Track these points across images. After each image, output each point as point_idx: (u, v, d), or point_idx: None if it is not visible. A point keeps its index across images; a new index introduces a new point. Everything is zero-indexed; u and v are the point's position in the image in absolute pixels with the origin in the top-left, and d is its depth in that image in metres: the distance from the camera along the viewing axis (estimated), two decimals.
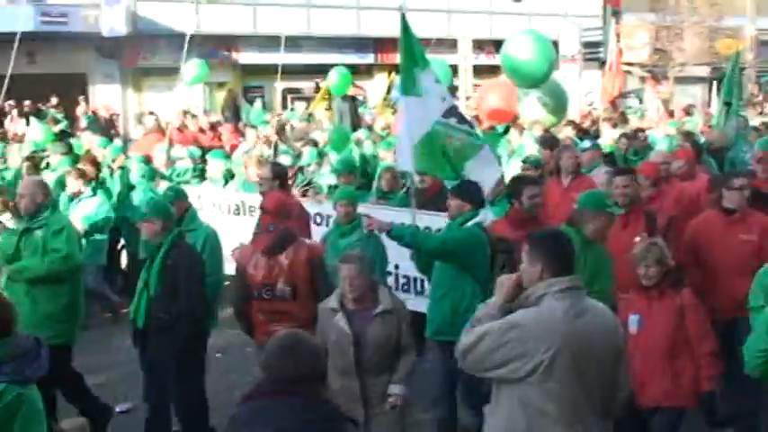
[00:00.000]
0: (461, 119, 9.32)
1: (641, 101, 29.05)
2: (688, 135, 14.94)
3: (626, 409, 5.59)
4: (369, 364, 6.81)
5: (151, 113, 21.67)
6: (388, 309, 6.89)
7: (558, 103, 16.87)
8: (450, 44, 24.94)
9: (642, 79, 34.72)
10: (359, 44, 30.97)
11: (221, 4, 28.26)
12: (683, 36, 35.68)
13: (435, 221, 9.54)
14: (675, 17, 35.58)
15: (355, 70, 25.44)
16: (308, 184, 13.03)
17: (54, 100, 23.92)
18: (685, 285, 7.37)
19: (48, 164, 13.92)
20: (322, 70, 21.99)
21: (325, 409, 4.37)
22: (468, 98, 23.08)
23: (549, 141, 13.22)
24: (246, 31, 28.88)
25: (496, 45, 28.06)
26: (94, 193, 11.97)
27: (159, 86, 28.17)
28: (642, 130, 17.00)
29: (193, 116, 21.23)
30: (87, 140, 16.75)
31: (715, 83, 37.64)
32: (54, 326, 8.03)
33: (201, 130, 19.95)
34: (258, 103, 26.42)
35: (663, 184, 9.87)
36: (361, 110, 23.17)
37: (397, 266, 10.19)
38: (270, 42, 26.48)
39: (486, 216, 8.22)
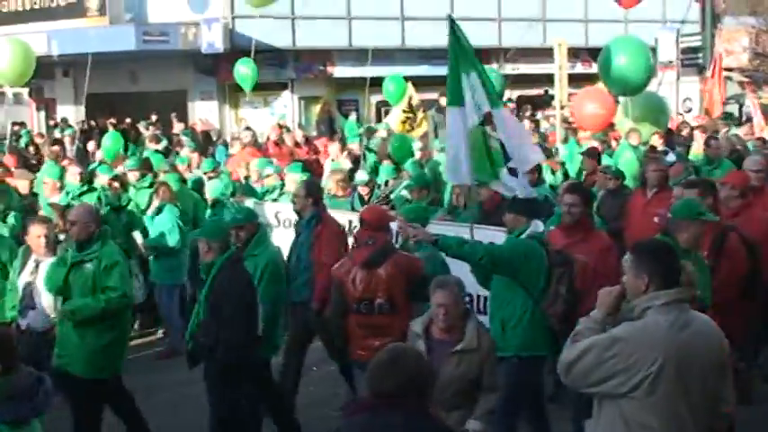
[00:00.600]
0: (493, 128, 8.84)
1: (741, 106, 28.38)
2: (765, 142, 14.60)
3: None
4: (439, 399, 6.14)
5: (248, 128, 21.85)
6: (470, 347, 6.61)
7: (648, 112, 16.53)
8: (547, 53, 24.71)
9: (741, 84, 33.99)
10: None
11: (317, 19, 28.36)
12: None
13: (496, 236, 9.10)
14: None
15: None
16: (387, 199, 12.61)
17: (154, 117, 24.23)
18: None
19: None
20: (416, 82, 21.94)
21: (428, 424, 4.22)
22: (563, 107, 22.83)
23: (591, 154, 13.47)
24: (341, 44, 28.93)
25: (592, 53, 27.82)
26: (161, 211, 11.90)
27: (255, 102, 28.44)
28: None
29: (288, 130, 21.29)
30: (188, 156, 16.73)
31: None
32: (101, 360, 7.91)
33: (297, 144, 19.99)
34: (353, 117, 26.52)
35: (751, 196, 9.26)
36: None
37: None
38: (364, 56, 26.60)
39: (538, 226, 7.81)
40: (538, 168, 12.70)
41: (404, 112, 20.07)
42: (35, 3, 28.32)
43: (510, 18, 31.25)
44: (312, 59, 29.35)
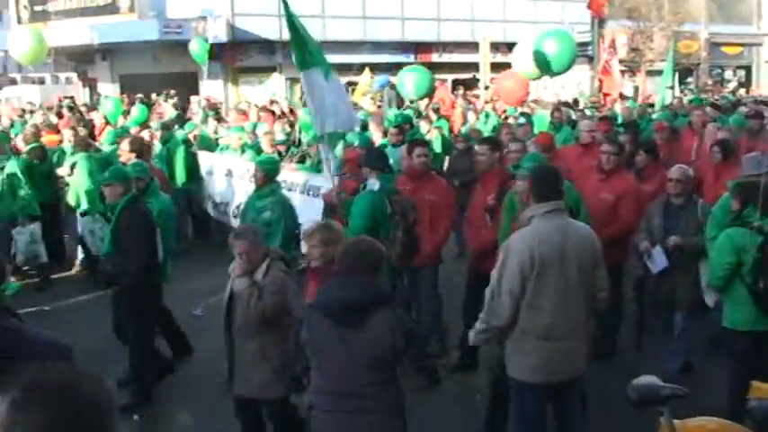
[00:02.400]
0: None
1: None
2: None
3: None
4: (243, 328, 5.46)
5: (247, 102, 21.47)
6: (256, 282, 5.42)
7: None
8: (474, 46, 24.46)
9: (621, 72, 34.03)
10: (402, 47, 30.53)
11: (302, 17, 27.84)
12: (653, 38, 34.90)
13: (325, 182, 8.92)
14: (647, 23, 34.75)
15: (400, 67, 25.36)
16: (302, 157, 11.83)
17: (172, 92, 23.78)
18: None
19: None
20: (374, 68, 21.68)
21: (378, 288, 4.43)
22: (486, 88, 22.72)
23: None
24: (316, 37, 28.37)
25: (509, 46, 27.60)
26: None
27: (252, 82, 28.05)
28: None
29: (276, 103, 20.90)
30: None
31: (677, 73, 37.12)
32: None
33: (283, 113, 19.62)
34: None
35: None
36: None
37: None
38: (335, 47, 26.21)
39: (375, 183, 7.10)
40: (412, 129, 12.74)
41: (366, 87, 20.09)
42: (79, 3, 27.76)
43: (446, 18, 30.90)
44: None
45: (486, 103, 20.01)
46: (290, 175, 10.30)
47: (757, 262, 5.79)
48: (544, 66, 14.95)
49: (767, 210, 5.86)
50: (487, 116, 16.97)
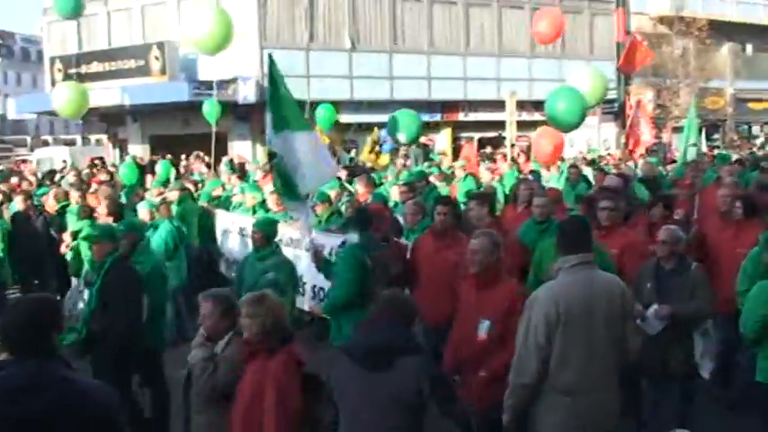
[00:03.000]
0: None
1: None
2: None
3: None
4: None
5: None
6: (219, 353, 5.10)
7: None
8: (500, 104, 24.62)
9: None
10: (428, 106, 30.81)
11: (327, 78, 28.32)
12: (679, 94, 34.97)
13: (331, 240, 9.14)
14: (673, 79, 34.86)
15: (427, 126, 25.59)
16: None
17: (201, 153, 24.12)
18: None
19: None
20: None
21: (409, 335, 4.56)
22: (512, 145, 22.83)
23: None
24: (344, 97, 28.83)
25: (535, 105, 27.76)
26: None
27: None
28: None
29: None
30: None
31: (704, 129, 37.09)
32: None
33: None
34: (353, 153, 26.48)
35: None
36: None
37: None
38: (362, 107, 26.58)
39: (353, 237, 7.35)
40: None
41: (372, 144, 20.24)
42: (112, 66, 28.30)
43: (473, 77, 31.21)
44: None
45: (514, 161, 20.09)
46: (295, 233, 10.26)
47: None
48: (559, 126, 14.92)
49: None
50: (509, 175, 16.93)
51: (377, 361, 4.33)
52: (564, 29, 14.31)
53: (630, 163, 18.81)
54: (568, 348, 4.86)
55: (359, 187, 12.33)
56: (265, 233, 8.03)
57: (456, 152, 27.55)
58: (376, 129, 20.76)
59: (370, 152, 20.52)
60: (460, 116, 31.52)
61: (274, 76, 7.79)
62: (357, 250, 7.18)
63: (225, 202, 13.89)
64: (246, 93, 27.05)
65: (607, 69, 31.92)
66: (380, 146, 20.58)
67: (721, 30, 36.78)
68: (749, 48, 41.21)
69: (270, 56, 8.04)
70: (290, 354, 4.59)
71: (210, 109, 20.30)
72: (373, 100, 28.33)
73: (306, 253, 9.14)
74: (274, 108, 7.69)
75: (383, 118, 26.44)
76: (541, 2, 30.60)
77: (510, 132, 21.17)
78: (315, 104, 20.80)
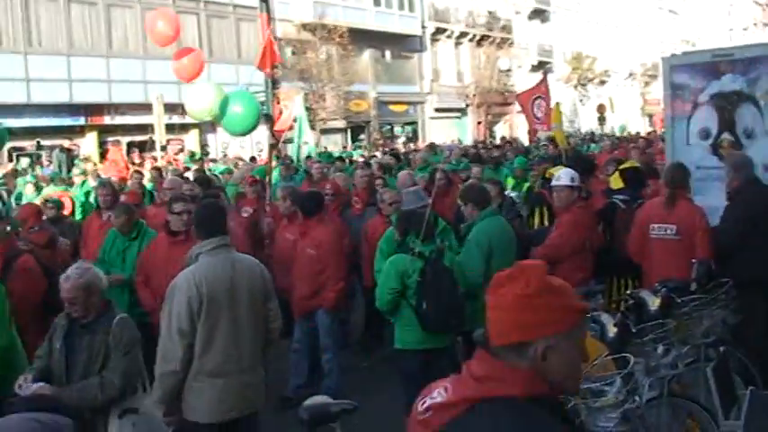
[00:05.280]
0: None
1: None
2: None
3: None
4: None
5: None
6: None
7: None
8: (149, 107, 24.28)
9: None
10: (71, 109, 29.45)
11: None
12: (326, 98, 36.74)
13: None
14: (319, 83, 36.50)
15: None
16: None
17: None
18: None
19: None
20: (41, 132, 20.67)
21: None
22: (163, 148, 22.68)
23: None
24: None
25: (184, 108, 27.62)
26: None
27: None
28: None
29: None
30: None
31: (349, 131, 39.51)
32: None
33: None
34: None
35: None
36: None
37: None
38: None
39: None
40: None
41: None
42: None
43: (117, 80, 30.32)
44: None
45: (168, 163, 20.02)
46: None
47: (419, 285, 6.44)
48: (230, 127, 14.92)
49: (427, 237, 6.57)
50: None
51: None
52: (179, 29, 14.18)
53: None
54: (214, 330, 5.03)
55: None
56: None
57: (103, 156, 26.72)
58: None
59: None
60: (106, 119, 30.52)
61: None
62: None
63: None
64: None
65: (255, 74, 32.88)
66: None
67: (362, 37, 39.28)
68: (388, 54, 44.43)
69: None
70: None
71: None
72: (7, 104, 26.47)
73: None
74: None
75: (18, 122, 24.99)
76: (184, 6, 30.59)
77: (159, 135, 21.01)
78: None
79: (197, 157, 24.89)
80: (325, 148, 31.22)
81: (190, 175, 15.51)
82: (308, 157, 18.35)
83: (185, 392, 5.12)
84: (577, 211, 7.88)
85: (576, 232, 7.75)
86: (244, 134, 15.77)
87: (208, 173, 16.14)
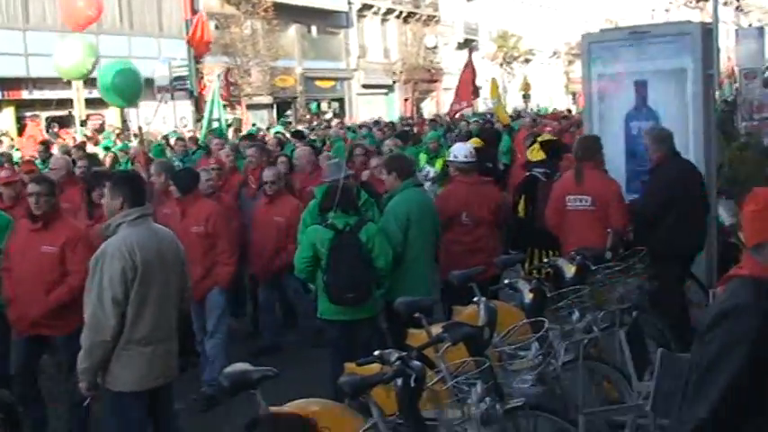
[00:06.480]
0: None
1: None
2: None
3: None
4: None
5: None
6: None
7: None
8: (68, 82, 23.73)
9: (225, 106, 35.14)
10: None
11: None
12: (251, 73, 36.43)
13: None
14: (243, 58, 36.17)
15: None
16: None
17: None
18: None
19: None
20: None
21: None
22: (83, 123, 22.32)
23: None
24: None
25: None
26: None
27: None
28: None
29: None
30: None
31: (275, 107, 39.28)
32: None
33: None
34: None
35: None
36: None
37: None
38: None
39: None
40: None
41: None
42: None
43: (35, 53, 29.50)
44: None
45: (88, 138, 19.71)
46: None
47: (327, 256, 6.56)
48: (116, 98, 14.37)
49: (343, 208, 6.69)
50: None
51: None
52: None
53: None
54: (145, 299, 5.06)
55: None
56: None
57: (21, 132, 26.06)
58: None
59: None
60: (24, 94, 29.69)
61: None
62: None
63: None
64: None
65: (177, 47, 32.42)
66: None
67: (287, 11, 38.96)
68: (314, 30, 44.19)
69: None
70: None
71: None
72: None
73: None
74: None
75: None
76: None
77: (78, 110, 20.65)
78: None
79: (117, 132, 24.53)
80: (254, 124, 30.98)
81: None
82: (213, 131, 18.13)
83: (112, 363, 5.11)
84: (451, 186, 8.33)
85: (447, 204, 8.01)
86: (125, 105, 15.35)
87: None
